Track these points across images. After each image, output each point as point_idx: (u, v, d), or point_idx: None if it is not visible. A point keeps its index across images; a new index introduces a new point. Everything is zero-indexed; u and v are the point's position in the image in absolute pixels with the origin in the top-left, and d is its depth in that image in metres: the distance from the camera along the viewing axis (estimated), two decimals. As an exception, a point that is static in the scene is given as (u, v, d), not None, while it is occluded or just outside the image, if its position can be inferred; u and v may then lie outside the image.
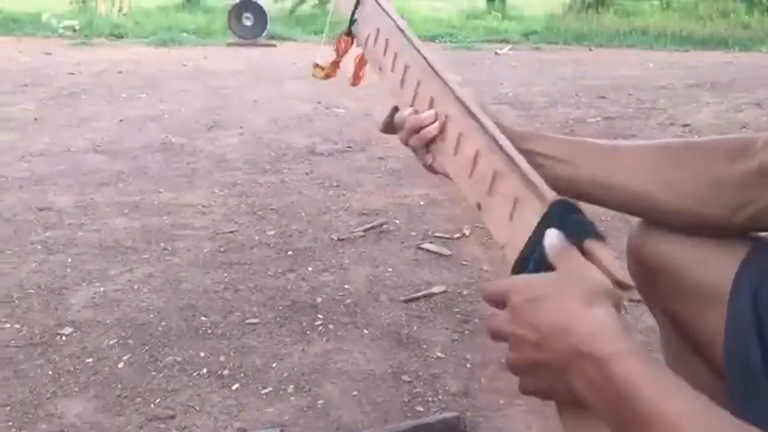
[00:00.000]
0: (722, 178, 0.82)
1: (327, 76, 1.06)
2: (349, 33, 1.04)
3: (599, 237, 0.63)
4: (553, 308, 0.60)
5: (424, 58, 0.89)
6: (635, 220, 0.99)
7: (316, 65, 1.06)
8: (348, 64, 1.05)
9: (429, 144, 0.88)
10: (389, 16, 0.96)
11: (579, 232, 0.64)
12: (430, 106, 0.86)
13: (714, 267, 0.84)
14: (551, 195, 0.68)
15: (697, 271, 0.86)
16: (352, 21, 1.03)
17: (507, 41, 10.25)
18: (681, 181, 0.84)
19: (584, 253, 0.62)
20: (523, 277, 0.66)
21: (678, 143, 0.91)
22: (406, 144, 0.90)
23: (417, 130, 0.88)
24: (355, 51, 1.04)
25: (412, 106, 0.90)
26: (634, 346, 0.57)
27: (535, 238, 0.66)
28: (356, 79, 1.06)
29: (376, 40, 0.98)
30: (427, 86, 0.87)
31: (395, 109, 0.93)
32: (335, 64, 1.07)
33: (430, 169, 0.90)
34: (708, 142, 0.88)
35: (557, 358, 0.59)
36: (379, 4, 0.99)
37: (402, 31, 0.94)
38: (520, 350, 0.62)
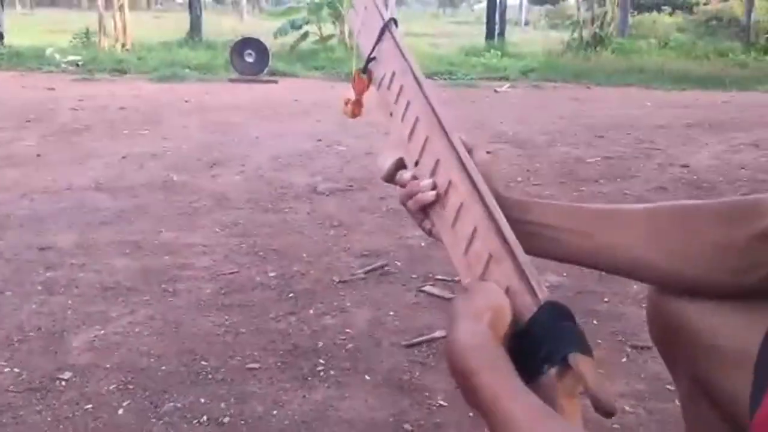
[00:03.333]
0: (723, 243, 0.82)
1: (353, 115, 1.02)
2: (366, 71, 0.97)
3: (585, 350, 0.61)
4: (451, 329, 0.65)
5: (435, 114, 0.84)
6: None
7: (346, 102, 1.01)
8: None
9: (427, 208, 0.85)
10: (406, 60, 0.90)
11: (565, 342, 0.62)
12: (435, 168, 0.82)
13: (739, 330, 0.82)
14: (543, 294, 0.65)
15: (721, 333, 0.84)
16: (370, 59, 0.96)
17: (506, 78, 10.35)
18: (683, 249, 0.84)
19: (568, 366, 0.61)
20: (456, 300, 0.69)
21: (677, 208, 0.89)
22: (404, 205, 0.88)
23: (414, 194, 0.86)
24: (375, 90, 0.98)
25: (417, 162, 0.86)
26: (495, 363, 0.61)
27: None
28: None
29: (390, 83, 0.92)
30: (435, 145, 0.83)
31: (400, 161, 0.89)
32: (357, 103, 1.02)
33: (429, 233, 0.87)
34: (708, 205, 0.87)
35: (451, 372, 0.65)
36: (397, 45, 0.92)
37: (417, 79, 0.88)
38: None
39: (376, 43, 0.95)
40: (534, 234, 0.87)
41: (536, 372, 0.62)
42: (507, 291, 0.67)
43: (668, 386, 1.91)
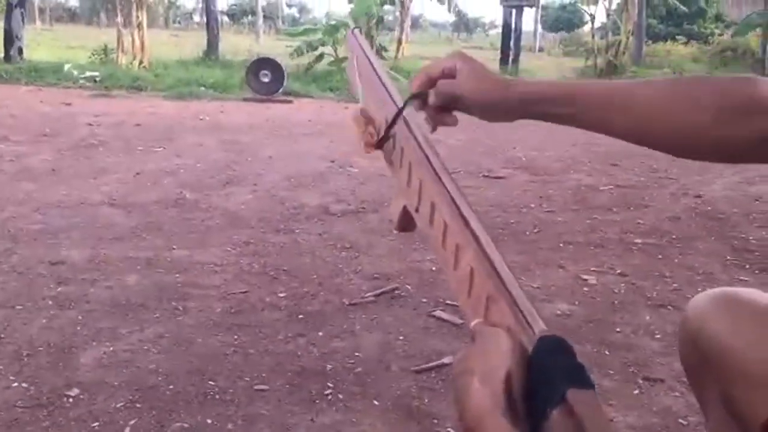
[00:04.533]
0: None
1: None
2: (380, 146, 0.94)
3: (584, 383, 0.60)
4: (458, 385, 0.63)
5: (425, 156, 0.84)
6: (694, 298, 0.97)
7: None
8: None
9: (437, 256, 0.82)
10: (396, 104, 0.90)
11: (561, 379, 0.60)
12: (432, 212, 0.81)
13: None
14: (539, 328, 0.63)
15: (759, 353, 0.84)
16: (387, 137, 0.93)
17: (520, 104, 10.37)
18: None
19: (566, 403, 0.59)
20: (462, 352, 0.67)
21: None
22: None
23: None
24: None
25: (417, 209, 0.84)
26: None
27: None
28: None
29: (387, 130, 0.92)
30: (428, 188, 0.82)
31: (405, 210, 0.88)
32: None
33: None
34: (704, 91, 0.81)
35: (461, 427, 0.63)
36: (390, 96, 0.93)
37: (406, 122, 0.88)
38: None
39: (390, 127, 0.92)
40: (583, 122, 0.86)
41: (541, 417, 0.59)
42: (507, 331, 0.66)
43: (681, 420, 1.89)
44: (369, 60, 0.99)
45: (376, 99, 0.96)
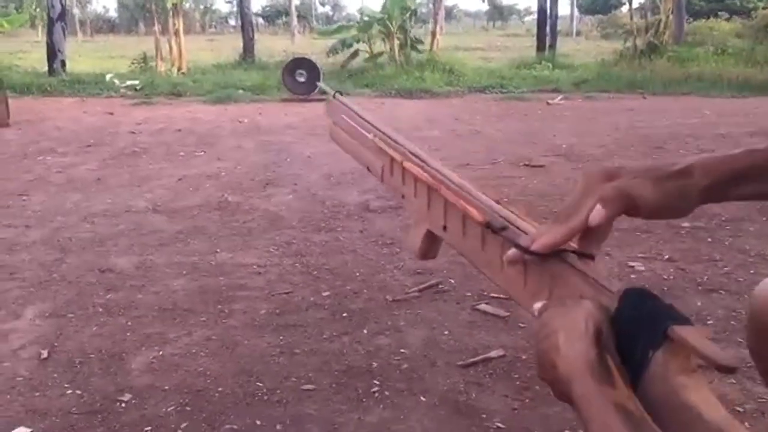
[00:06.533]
0: None
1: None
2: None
3: (684, 321, 0.58)
4: (543, 346, 0.63)
5: (445, 177, 0.85)
6: (759, 285, 0.94)
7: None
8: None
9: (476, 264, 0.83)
10: (402, 145, 0.93)
11: (658, 319, 0.59)
12: (464, 222, 0.82)
13: None
14: (616, 288, 0.64)
15: None
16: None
17: (558, 90, 10.23)
18: None
19: (672, 341, 0.58)
20: (541, 320, 0.66)
21: None
22: None
23: None
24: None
25: (445, 227, 0.85)
26: (599, 385, 0.58)
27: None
28: None
29: (391, 171, 0.95)
30: (456, 205, 0.83)
31: (429, 233, 0.88)
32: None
33: None
34: None
35: (554, 384, 0.63)
36: (389, 141, 0.96)
37: (416, 155, 0.90)
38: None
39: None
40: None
41: (643, 364, 0.58)
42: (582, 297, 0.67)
43: (737, 408, 1.84)
44: (362, 118, 1.01)
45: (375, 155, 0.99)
